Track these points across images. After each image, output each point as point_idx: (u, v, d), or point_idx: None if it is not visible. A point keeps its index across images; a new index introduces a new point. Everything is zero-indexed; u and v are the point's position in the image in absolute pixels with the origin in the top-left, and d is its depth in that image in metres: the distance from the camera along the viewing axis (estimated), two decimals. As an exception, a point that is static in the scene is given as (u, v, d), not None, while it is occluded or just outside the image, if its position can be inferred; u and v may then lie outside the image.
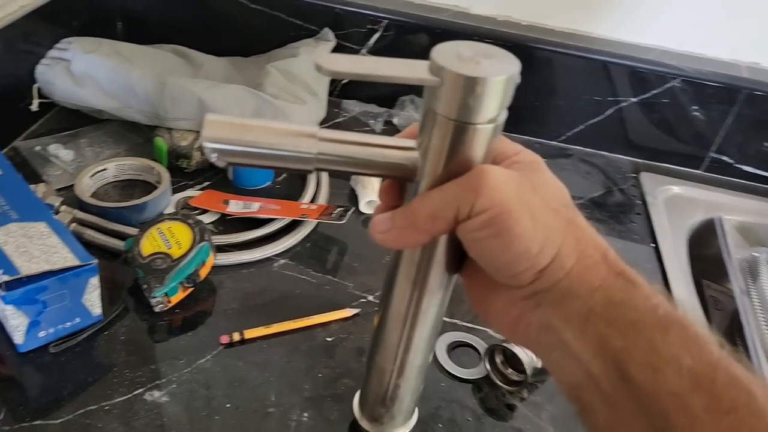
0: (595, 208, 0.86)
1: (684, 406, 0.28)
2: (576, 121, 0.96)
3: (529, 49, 0.90)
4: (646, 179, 0.92)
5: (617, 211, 0.87)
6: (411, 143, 0.34)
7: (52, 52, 0.82)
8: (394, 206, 0.35)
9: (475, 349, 0.63)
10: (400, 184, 0.37)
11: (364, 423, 0.51)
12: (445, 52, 0.31)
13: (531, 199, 0.31)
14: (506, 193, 0.30)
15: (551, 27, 0.94)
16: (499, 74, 0.30)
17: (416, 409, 0.52)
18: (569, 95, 0.94)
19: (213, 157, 0.32)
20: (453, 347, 0.63)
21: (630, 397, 0.29)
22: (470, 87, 0.30)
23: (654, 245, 0.81)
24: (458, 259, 0.37)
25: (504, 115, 0.32)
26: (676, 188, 0.91)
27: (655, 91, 0.91)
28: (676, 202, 0.89)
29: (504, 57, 0.32)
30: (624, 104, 0.93)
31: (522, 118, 0.95)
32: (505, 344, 0.58)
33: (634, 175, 0.94)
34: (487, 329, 0.65)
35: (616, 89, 0.92)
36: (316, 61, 0.30)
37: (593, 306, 0.30)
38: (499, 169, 0.31)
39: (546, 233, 0.30)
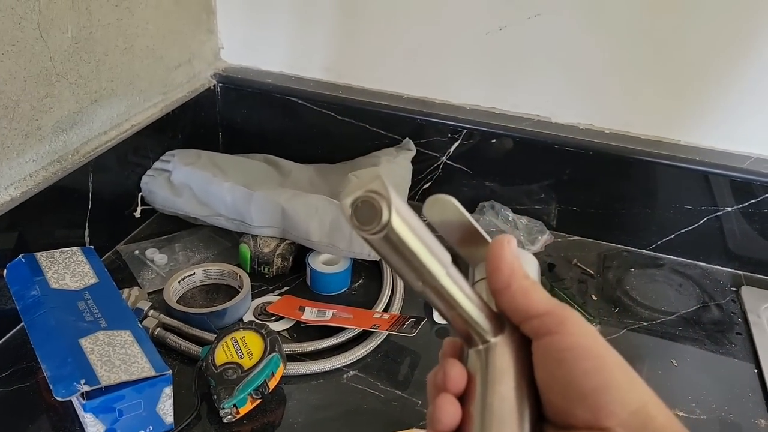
0: (688, 326, 0.80)
1: None
2: (666, 230, 0.91)
3: (610, 157, 0.88)
4: (748, 294, 0.85)
5: (714, 329, 0.80)
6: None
7: (156, 164, 0.90)
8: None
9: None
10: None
11: None
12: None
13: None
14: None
15: (635, 134, 0.91)
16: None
17: None
18: (657, 203, 0.90)
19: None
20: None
21: None
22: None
23: (757, 370, 0.73)
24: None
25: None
26: (784, 305, 0.83)
27: (754, 201, 0.86)
28: (784, 321, 0.81)
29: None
30: (720, 212, 0.88)
31: (608, 226, 0.92)
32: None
33: (734, 289, 0.87)
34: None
35: (709, 198, 0.88)
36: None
37: None
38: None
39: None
